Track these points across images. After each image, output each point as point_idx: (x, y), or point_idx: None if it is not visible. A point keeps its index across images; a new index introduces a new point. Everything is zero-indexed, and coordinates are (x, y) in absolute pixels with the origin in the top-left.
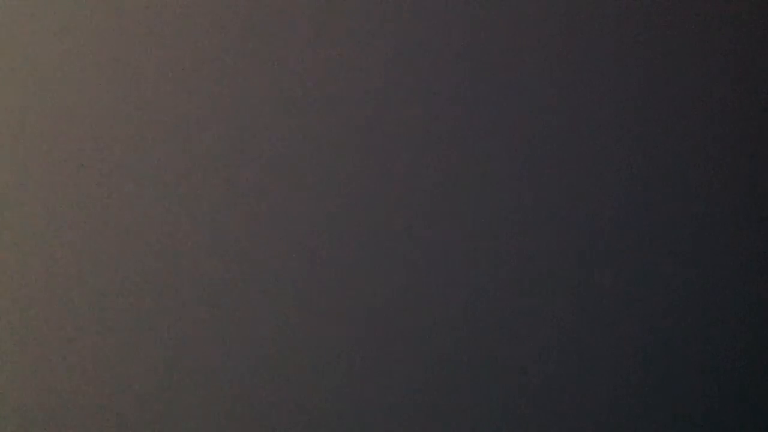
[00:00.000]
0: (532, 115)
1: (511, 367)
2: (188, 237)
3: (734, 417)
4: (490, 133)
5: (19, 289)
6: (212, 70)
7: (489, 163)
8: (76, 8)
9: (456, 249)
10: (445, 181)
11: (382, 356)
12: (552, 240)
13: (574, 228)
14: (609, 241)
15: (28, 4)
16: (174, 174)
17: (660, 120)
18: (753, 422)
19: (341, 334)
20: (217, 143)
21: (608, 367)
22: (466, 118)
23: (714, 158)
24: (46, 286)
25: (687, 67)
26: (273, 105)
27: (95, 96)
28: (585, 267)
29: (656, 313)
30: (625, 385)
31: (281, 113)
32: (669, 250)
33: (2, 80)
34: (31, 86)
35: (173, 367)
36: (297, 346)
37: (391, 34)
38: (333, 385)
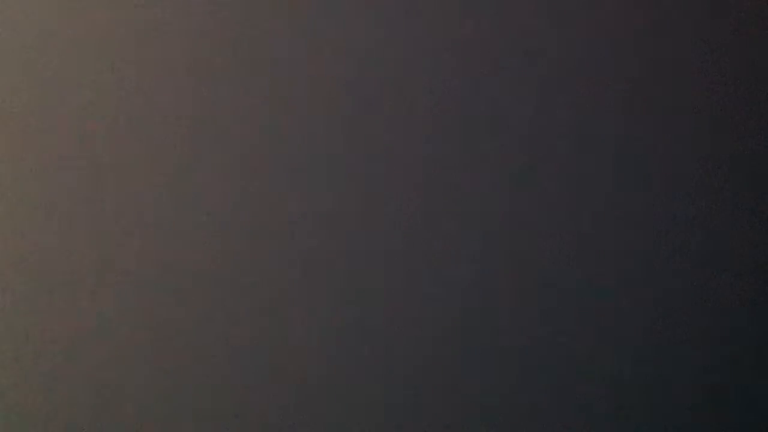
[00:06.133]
0: (533, 113)
1: (511, 367)
2: (188, 236)
3: (734, 417)
4: (489, 132)
5: (18, 290)
6: (211, 69)
7: (488, 163)
8: (76, 8)
9: (454, 248)
10: (443, 180)
11: (380, 356)
12: (551, 239)
13: (573, 227)
14: (608, 240)
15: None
16: (173, 173)
17: (659, 119)
18: (753, 422)
19: (340, 334)
20: (217, 142)
21: (608, 366)
22: (464, 117)
23: (714, 158)
24: (45, 286)
25: (687, 65)
26: (270, 104)
27: (93, 95)
28: (584, 266)
29: (656, 313)
30: (625, 384)
31: (279, 113)
32: (668, 250)
33: (2, 80)
34: (31, 86)
35: (173, 367)
36: (296, 346)
37: (389, 31)
38: (332, 384)
